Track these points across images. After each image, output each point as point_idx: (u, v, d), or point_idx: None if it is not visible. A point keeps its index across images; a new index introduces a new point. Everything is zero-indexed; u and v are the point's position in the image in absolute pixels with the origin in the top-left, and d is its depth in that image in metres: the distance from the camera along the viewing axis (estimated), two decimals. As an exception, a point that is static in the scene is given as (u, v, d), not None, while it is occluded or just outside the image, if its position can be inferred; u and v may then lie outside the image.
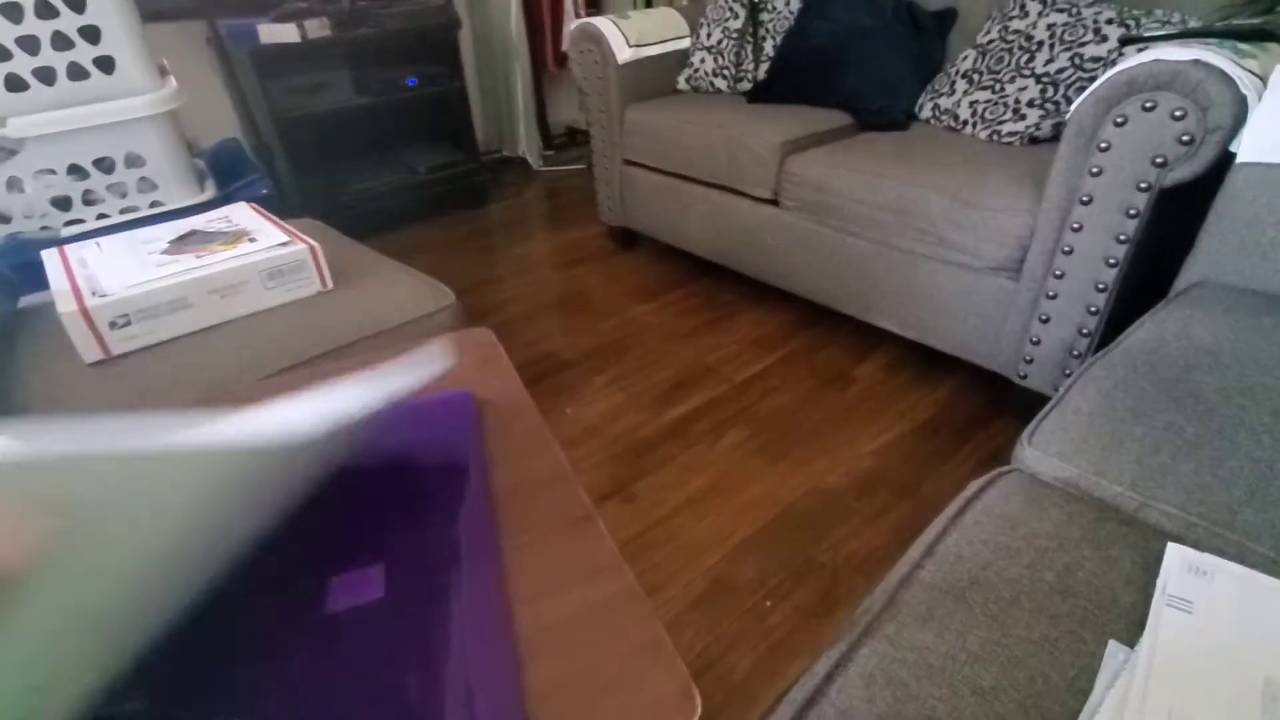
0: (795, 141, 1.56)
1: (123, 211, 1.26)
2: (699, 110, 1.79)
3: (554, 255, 2.27)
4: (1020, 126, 1.46)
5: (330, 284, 0.97)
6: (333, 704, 0.26)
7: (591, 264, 2.19)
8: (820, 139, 1.60)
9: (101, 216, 1.24)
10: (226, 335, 0.88)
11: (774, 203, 1.60)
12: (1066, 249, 1.15)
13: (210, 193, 1.35)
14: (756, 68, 1.93)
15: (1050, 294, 1.19)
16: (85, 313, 0.79)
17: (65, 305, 0.79)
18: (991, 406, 1.41)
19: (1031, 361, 1.25)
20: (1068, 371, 1.22)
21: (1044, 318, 1.21)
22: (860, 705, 0.45)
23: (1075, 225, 1.12)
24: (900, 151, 1.43)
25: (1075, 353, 1.20)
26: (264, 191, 1.34)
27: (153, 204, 1.28)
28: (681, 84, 2.04)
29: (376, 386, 0.31)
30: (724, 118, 1.69)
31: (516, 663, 0.27)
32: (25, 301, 0.99)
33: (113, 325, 0.81)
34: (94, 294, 0.82)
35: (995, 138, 1.49)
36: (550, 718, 0.26)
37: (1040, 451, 0.67)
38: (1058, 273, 1.17)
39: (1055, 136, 1.43)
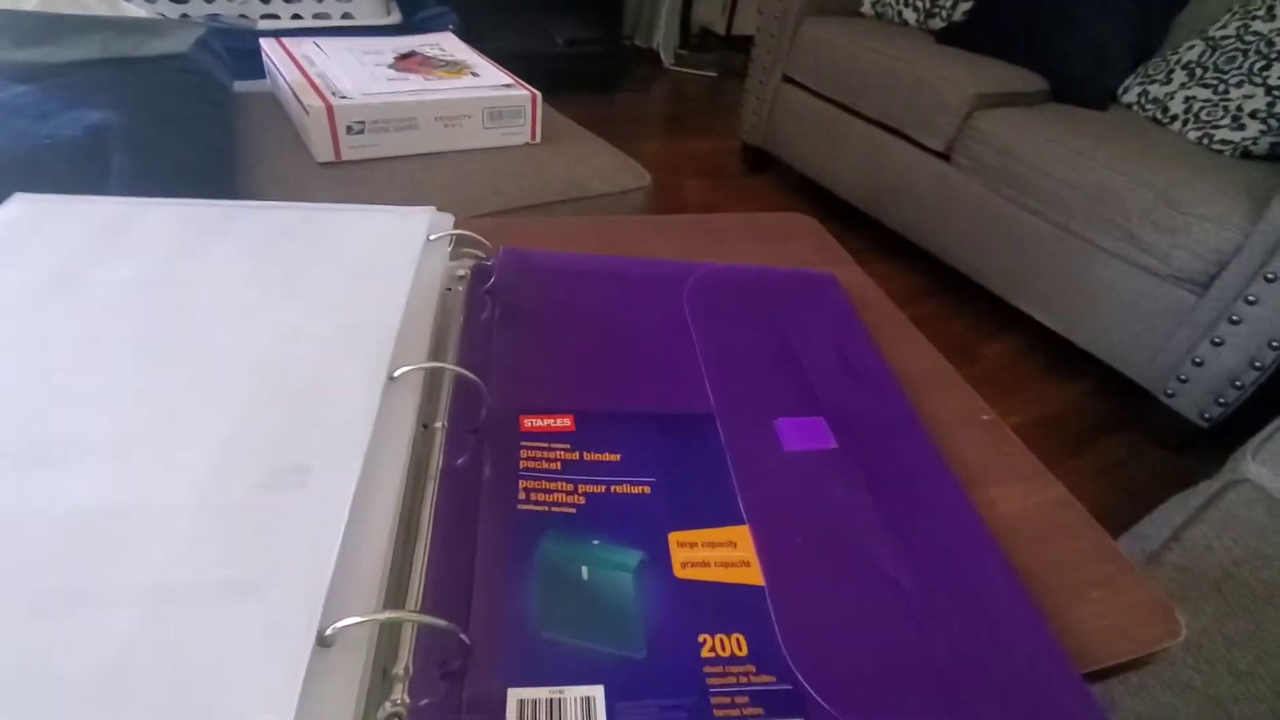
0: (989, 96, 1.47)
1: (315, 16, 1.24)
2: (882, 39, 1.68)
3: (679, 163, 2.21)
4: (1236, 136, 1.36)
5: (539, 138, 0.95)
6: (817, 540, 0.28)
7: (717, 180, 2.13)
8: (1013, 99, 1.50)
9: (295, 17, 1.22)
10: (443, 165, 0.87)
11: (945, 157, 1.53)
12: (1270, 276, 1.09)
13: (396, 17, 1.31)
14: (954, 6, 1.79)
15: (1233, 318, 1.14)
16: (330, 110, 0.79)
17: (311, 99, 0.79)
18: (1119, 417, 1.38)
19: (1185, 381, 1.22)
20: (1221, 400, 1.18)
21: (1217, 340, 1.16)
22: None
23: (1288, 253, 1.06)
24: (1104, 134, 1.35)
25: (1238, 383, 1.16)
26: (451, 26, 1.30)
27: (344, 15, 1.26)
28: (866, 7, 1.91)
29: None
30: (911, 53, 1.59)
31: (990, 533, 0.28)
32: (240, 87, 0.99)
33: (349, 129, 0.81)
34: (333, 94, 0.81)
35: (1205, 141, 1.39)
36: (1034, 595, 0.27)
37: (1267, 469, 0.66)
38: (1250, 298, 1.11)
39: (1271, 156, 1.33)
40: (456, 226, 0.37)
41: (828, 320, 0.40)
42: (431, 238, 0.35)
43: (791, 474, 0.30)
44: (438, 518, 0.25)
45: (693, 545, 0.26)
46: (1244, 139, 1.35)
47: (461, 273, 0.38)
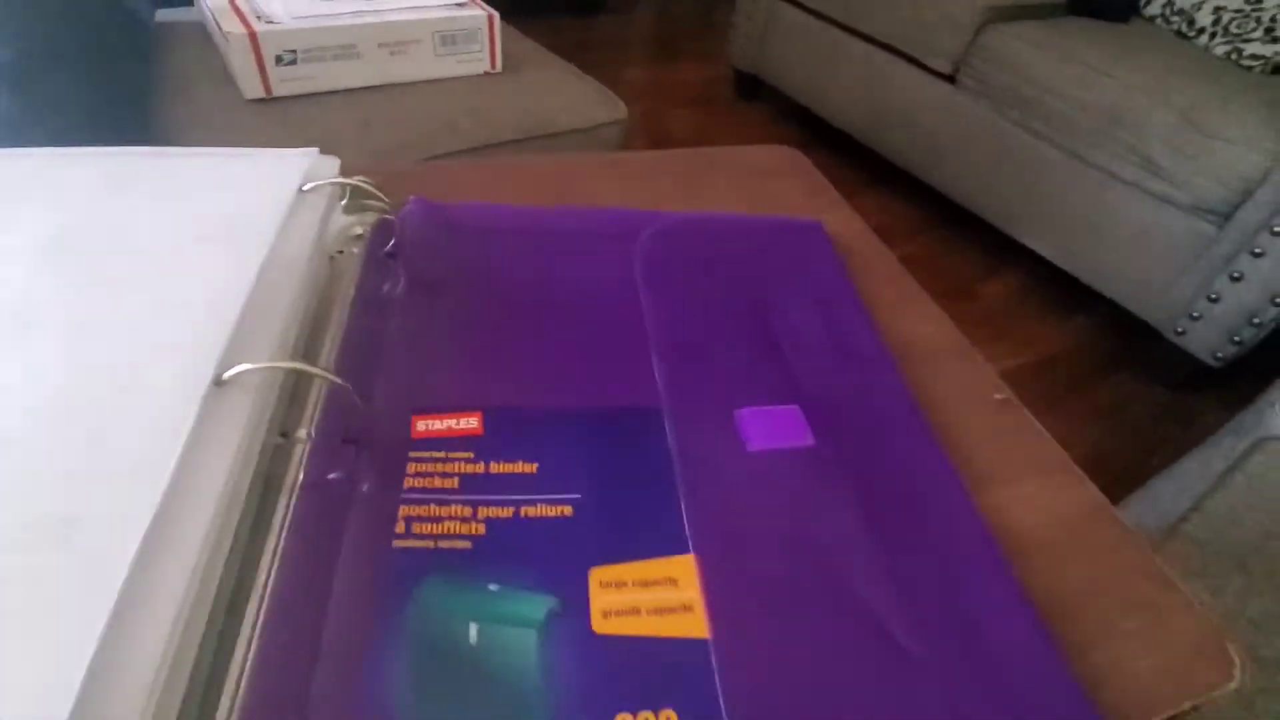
0: (1000, 8, 1.35)
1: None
2: (885, -51, 1.53)
3: (666, 90, 2.07)
4: (1269, 50, 1.25)
5: (500, 67, 0.86)
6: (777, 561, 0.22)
7: (706, 108, 2.00)
8: (1026, 11, 1.37)
9: (227, -68, 1.09)
10: (391, 99, 0.78)
11: (950, 79, 1.41)
12: (1297, 204, 1.01)
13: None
14: (963, -90, 1.62)
15: (1256, 250, 1.06)
16: (253, 37, 0.69)
17: (230, 25, 0.69)
18: (1120, 356, 1.32)
19: (1199, 319, 1.15)
20: (1236, 339, 1.12)
21: (1236, 275, 1.09)
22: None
23: (1319, 179, 0.98)
24: (1124, 49, 1.23)
25: (1256, 320, 1.09)
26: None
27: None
28: (866, -87, 1.73)
29: None
30: (916, -36, 1.45)
31: (1004, 557, 0.23)
32: (162, 16, 0.88)
33: (278, 60, 0.72)
34: (258, 18, 0.72)
35: (1235, 56, 1.27)
36: (1058, 633, 0.22)
37: (1294, 422, 0.60)
38: (1276, 229, 1.04)
39: (1305, 70, 1.22)
40: (368, 173, 0.30)
41: (811, 281, 0.33)
42: (306, 188, 0.28)
43: (755, 483, 0.24)
44: (279, 571, 0.19)
45: (620, 585, 0.21)
46: (1276, 53, 1.24)
47: (359, 231, 0.31)
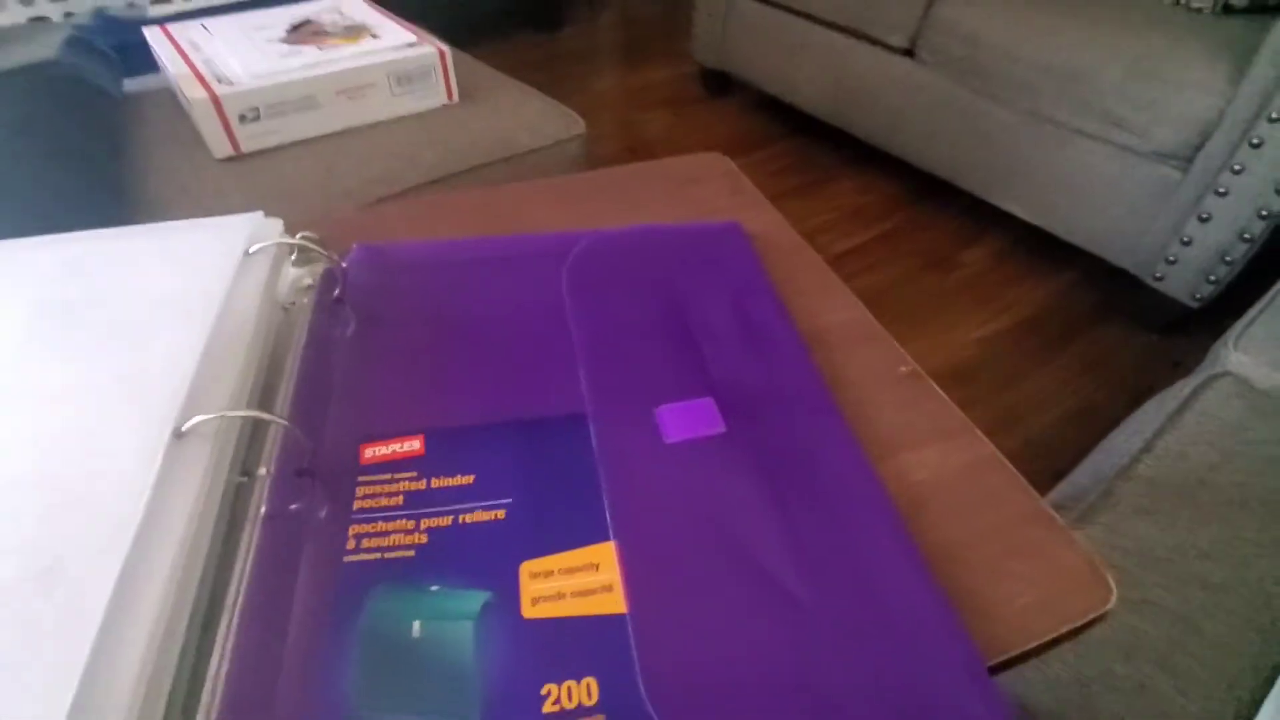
0: (948, -19, 1.36)
1: (209, -8, 1.14)
2: (831, -66, 1.55)
3: (635, 95, 2.10)
4: (1216, -11, 1.26)
5: (456, 97, 0.89)
6: (700, 531, 0.25)
7: (676, 109, 2.03)
8: (975, -18, 1.39)
9: (188, -3, 1.13)
10: (353, 142, 0.81)
11: (909, 54, 1.43)
12: (1255, 141, 1.02)
13: (298, -20, 1.21)
14: (904, -115, 1.64)
15: (1220, 190, 1.07)
16: (215, 100, 0.73)
17: (193, 91, 0.73)
18: (1104, 307, 1.34)
19: (1174, 263, 1.16)
20: (1212, 278, 1.13)
21: (1204, 216, 1.10)
22: (1081, 588, 0.44)
23: (1274, 115, 0.99)
24: (1074, 7, 1.25)
25: (1228, 259, 1.11)
26: (358, -16, 1.20)
27: (240, -13, 1.16)
28: (810, -101, 1.75)
29: None
30: (862, -55, 1.47)
31: (898, 517, 0.25)
32: (129, 85, 0.92)
33: (242, 119, 0.75)
34: (219, 80, 0.75)
35: (1183, 1, 1.28)
36: (948, 577, 0.24)
37: (1249, 358, 0.62)
38: (1236, 167, 1.05)
39: (1253, 7, 1.23)
40: (317, 225, 0.33)
41: (728, 279, 0.36)
42: (252, 250, 0.31)
43: (670, 471, 0.27)
44: (247, 590, 0.22)
45: (547, 574, 0.23)
46: (1225, -9, 1.25)
47: (309, 281, 0.34)
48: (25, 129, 0.61)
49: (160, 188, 0.75)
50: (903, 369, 0.32)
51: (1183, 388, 0.58)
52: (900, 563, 0.24)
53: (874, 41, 1.48)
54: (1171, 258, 1.17)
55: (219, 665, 0.20)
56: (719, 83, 2.01)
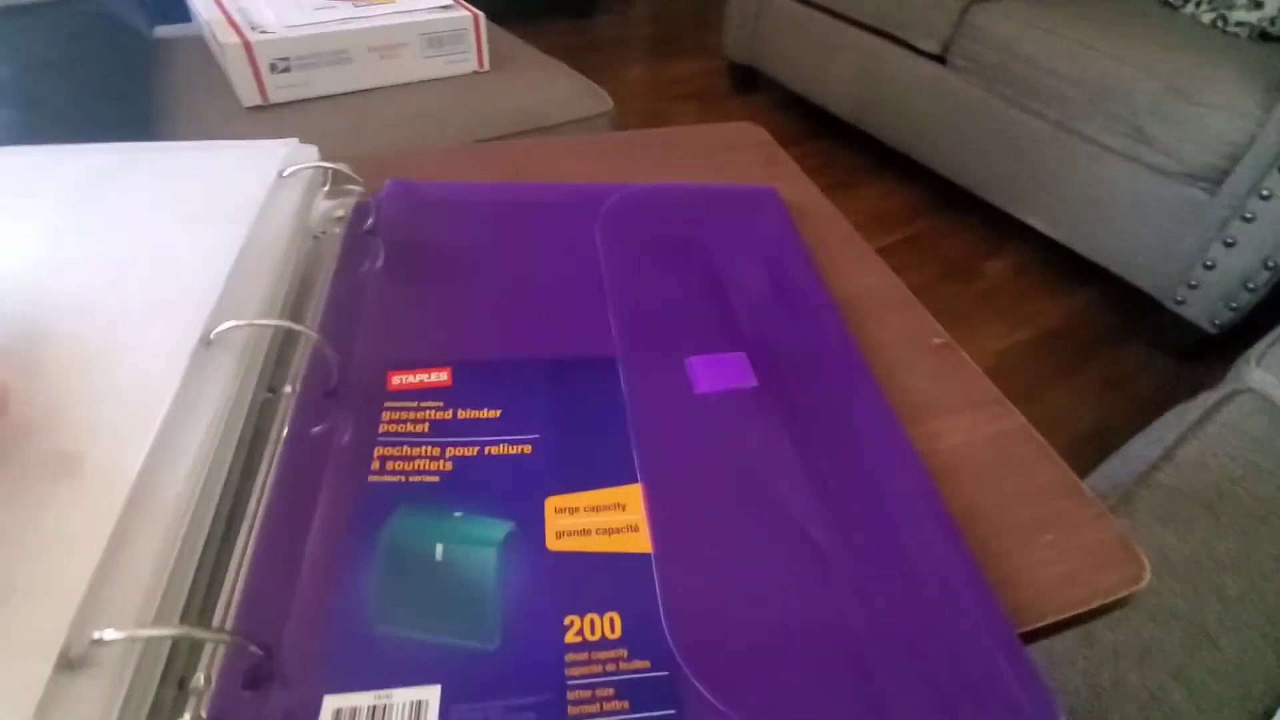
0: (986, -12, 1.35)
1: (246, -53, 1.14)
2: (871, -65, 1.54)
3: (662, 87, 2.09)
4: (1253, 17, 1.24)
5: (487, 65, 0.88)
6: (723, 487, 0.24)
7: (702, 103, 2.02)
8: (1013, -9, 1.38)
9: (224, -51, 1.12)
10: (383, 101, 0.81)
11: (940, 60, 1.42)
12: (1288, 167, 1.01)
13: (335, -58, 1.21)
14: (948, -109, 1.63)
15: (1247, 215, 1.06)
16: (248, 47, 0.72)
17: (226, 36, 0.72)
18: (1124, 328, 1.32)
19: (1195, 287, 1.15)
20: (1233, 305, 1.12)
21: (1229, 241, 1.09)
22: (1093, 588, 0.44)
23: (1309, 141, 0.98)
24: (1110, 21, 1.24)
25: (1250, 285, 1.09)
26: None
27: (277, -56, 1.16)
28: (852, -101, 1.74)
29: None
30: (902, -52, 1.46)
31: (928, 477, 0.25)
32: (161, 31, 0.91)
33: (273, 68, 0.75)
34: (251, 28, 0.75)
35: (1220, 24, 1.27)
36: (977, 540, 0.23)
37: (1273, 376, 0.61)
38: (1264, 193, 1.04)
39: (1294, 33, 1.22)
40: (350, 161, 0.33)
41: (762, 240, 0.35)
42: (286, 173, 0.30)
43: (700, 420, 0.26)
44: (268, 501, 0.22)
45: (573, 511, 0.23)
46: (1261, 19, 1.23)
47: (341, 213, 0.34)
48: (57, 63, 0.61)
49: (186, 133, 0.74)
50: (936, 340, 0.31)
51: (1205, 400, 0.57)
52: (928, 520, 0.23)
53: (906, 45, 1.47)
54: (1194, 282, 1.15)
55: (238, 570, 0.20)
56: (747, 79, 2.00)
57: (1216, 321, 1.15)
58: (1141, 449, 0.54)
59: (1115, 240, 1.24)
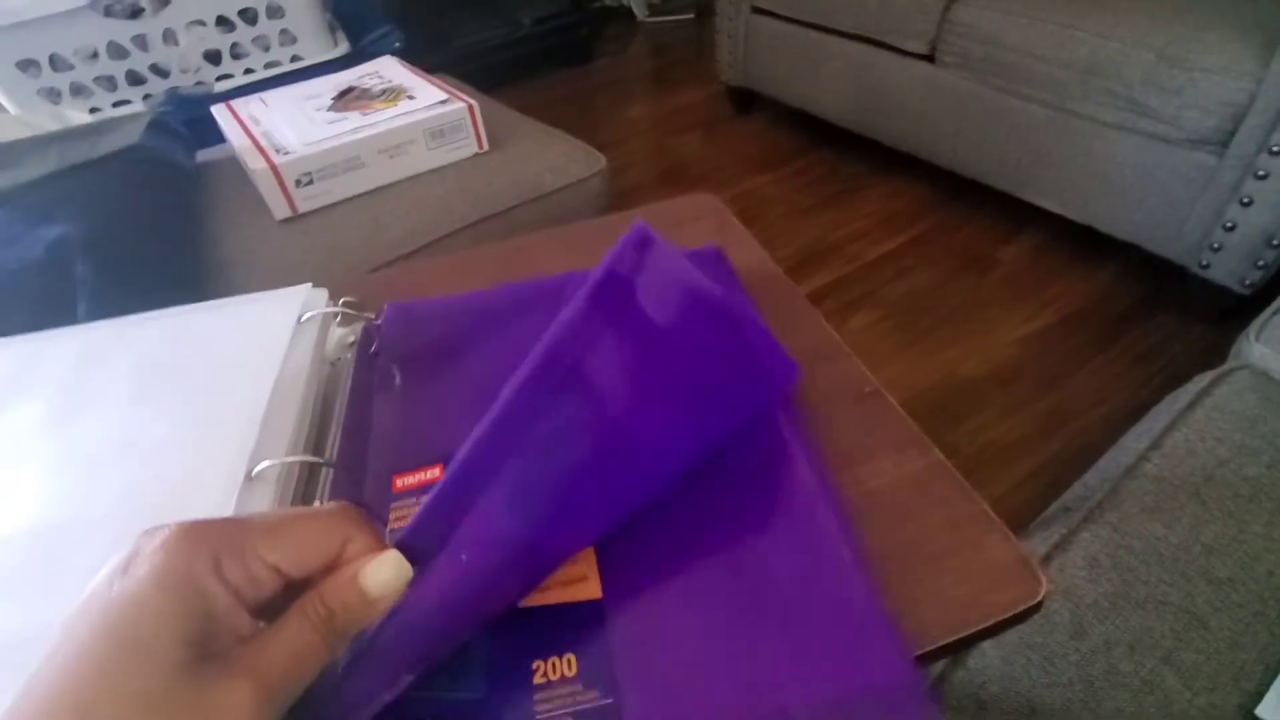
0: (963, -15, 1.37)
1: (267, 66, 1.26)
2: (845, -52, 1.58)
3: (664, 119, 2.16)
4: (1248, -34, 1.22)
5: (486, 146, 0.96)
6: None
7: (705, 129, 2.07)
8: (992, -18, 1.39)
9: (248, 71, 1.25)
10: (395, 196, 0.89)
11: (929, 59, 1.44)
12: (1294, 120, 0.99)
13: (344, 47, 1.32)
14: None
15: (1260, 173, 1.04)
16: (275, 169, 0.82)
17: (255, 163, 0.82)
18: (1152, 300, 1.30)
19: (1219, 250, 1.13)
20: (1260, 263, 1.10)
21: (1245, 200, 1.07)
22: (1083, 584, 0.46)
23: (1312, 91, 0.96)
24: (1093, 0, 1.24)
25: (1275, 243, 1.07)
26: (397, 44, 1.30)
27: (293, 58, 1.28)
28: (823, -85, 1.79)
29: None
30: (876, -44, 1.49)
31: (839, 515, 0.29)
32: (202, 155, 1.03)
33: (298, 183, 0.84)
34: (276, 151, 0.84)
35: (1213, -20, 1.25)
36: (892, 573, 0.27)
37: (1272, 350, 0.61)
38: (1275, 148, 1.02)
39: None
40: (356, 288, 0.39)
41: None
42: (304, 318, 0.37)
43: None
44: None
45: (541, 574, 0.28)
46: (1257, -32, 1.21)
47: (352, 339, 0.40)
48: (121, 214, 0.71)
49: (229, 249, 0.84)
50: (865, 389, 0.35)
51: (1198, 383, 0.58)
52: (836, 560, 0.27)
53: (894, 49, 1.50)
54: (1216, 245, 1.13)
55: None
56: (746, 100, 2.05)
57: (1247, 281, 1.13)
58: (1133, 441, 0.55)
59: (1129, 212, 1.23)
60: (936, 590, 0.27)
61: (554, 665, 0.25)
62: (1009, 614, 0.26)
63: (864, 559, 0.27)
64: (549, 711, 0.24)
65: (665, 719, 0.23)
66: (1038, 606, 0.27)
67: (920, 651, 0.25)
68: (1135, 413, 1.15)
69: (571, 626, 0.26)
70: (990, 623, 0.26)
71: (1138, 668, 0.43)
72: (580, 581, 0.27)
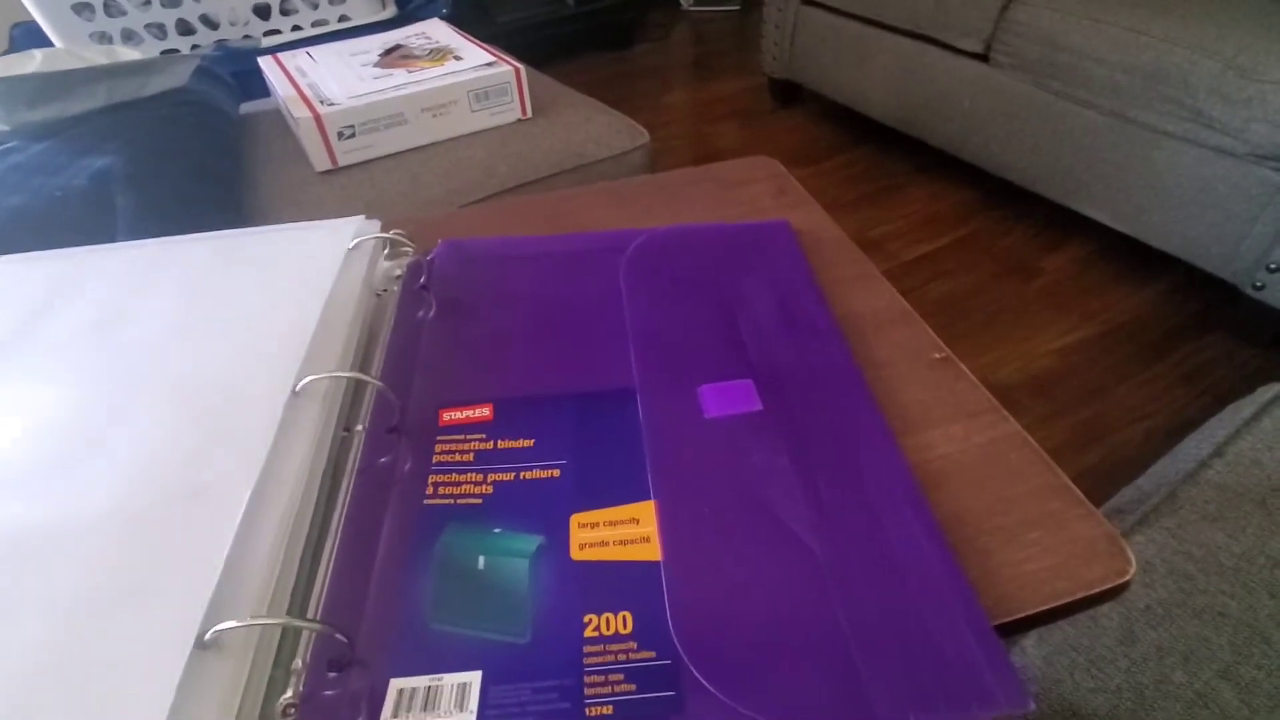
0: (1025, -17, 1.33)
1: (314, 24, 1.26)
2: (903, -59, 1.54)
3: (705, 108, 2.14)
4: (1328, -22, 1.17)
5: (530, 112, 0.94)
6: (729, 506, 0.27)
7: (745, 120, 2.05)
8: (1054, -18, 1.35)
9: (296, 29, 1.25)
10: (436, 156, 0.88)
11: (983, 58, 1.41)
12: (1370, 137, 0.95)
13: (392, 10, 1.32)
14: (981, -112, 1.61)
15: (1328, 192, 1.00)
16: (318, 119, 0.81)
17: (300, 111, 0.81)
18: (1201, 319, 1.26)
19: (1276, 271, 1.09)
20: (1320, 286, 1.06)
21: (1310, 220, 1.03)
22: (1136, 589, 0.44)
23: (1392, 108, 0.92)
24: (1160, 3, 1.19)
25: (1338, 265, 1.03)
26: (444, 11, 1.29)
27: (341, 18, 1.28)
28: (882, -92, 1.75)
29: None
30: (935, -49, 1.45)
31: (917, 485, 0.27)
32: (245, 108, 1.03)
33: (340, 135, 0.83)
34: (321, 102, 0.83)
35: (1289, -8, 1.20)
36: (964, 542, 0.26)
37: (1344, 365, 0.58)
38: (1347, 166, 0.98)
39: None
40: (406, 225, 0.38)
41: (772, 273, 0.38)
42: (352, 245, 0.36)
43: (708, 442, 0.29)
44: (346, 521, 0.26)
45: (594, 525, 0.27)
46: (1337, -20, 1.16)
47: (398, 273, 0.39)
48: (165, 151, 0.70)
49: (270, 197, 0.83)
50: (936, 355, 0.34)
51: (1262, 395, 0.55)
52: (912, 524, 0.26)
53: (946, 47, 1.46)
54: (1273, 265, 1.09)
55: (325, 575, 0.25)
56: (788, 93, 2.02)
57: (1304, 305, 1.09)
58: (1192, 447, 0.53)
59: (1184, 228, 1.19)
60: (1014, 562, 0.25)
61: (607, 621, 0.23)
62: (1097, 590, 0.24)
63: (936, 524, 0.26)
64: (600, 665, 0.22)
65: (732, 691, 0.21)
66: (1125, 585, 0.25)
67: (999, 621, 0.23)
68: (1178, 431, 1.12)
69: (628, 585, 0.25)
70: (1078, 596, 0.24)
71: (1192, 679, 0.41)
72: (641, 542, 0.26)
